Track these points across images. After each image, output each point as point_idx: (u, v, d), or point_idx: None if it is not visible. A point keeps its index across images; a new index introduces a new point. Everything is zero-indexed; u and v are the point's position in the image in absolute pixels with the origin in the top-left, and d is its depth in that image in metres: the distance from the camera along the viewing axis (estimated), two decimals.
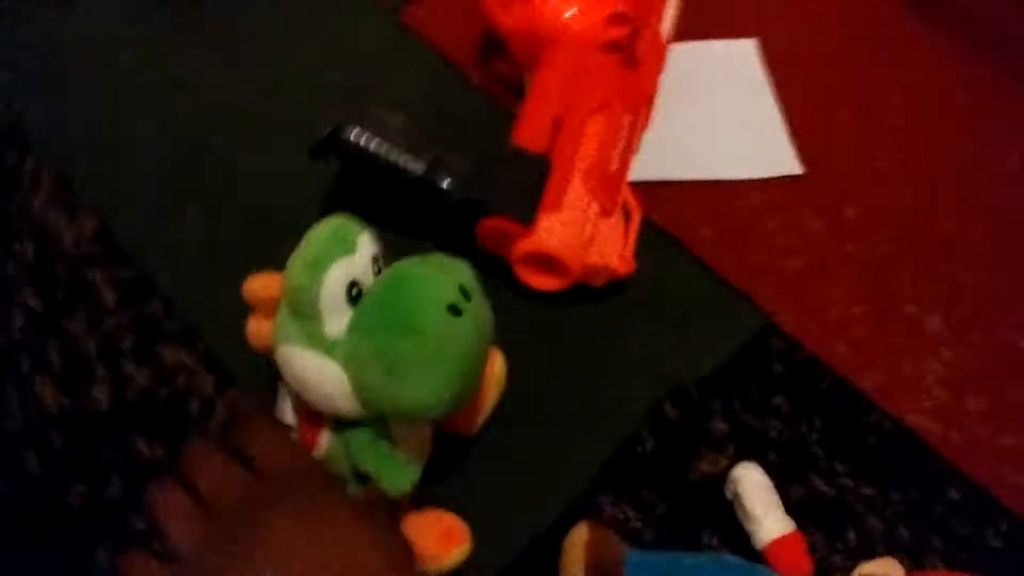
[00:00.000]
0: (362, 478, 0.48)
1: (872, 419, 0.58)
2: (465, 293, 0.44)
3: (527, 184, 0.58)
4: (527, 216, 0.57)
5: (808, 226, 0.67)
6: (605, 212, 0.60)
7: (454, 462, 0.55)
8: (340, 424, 0.48)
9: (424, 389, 0.43)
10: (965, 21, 0.81)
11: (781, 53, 0.77)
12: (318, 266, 0.43)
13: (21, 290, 0.62)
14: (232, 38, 0.77)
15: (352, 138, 0.58)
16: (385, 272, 0.46)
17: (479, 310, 0.45)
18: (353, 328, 0.43)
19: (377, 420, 0.47)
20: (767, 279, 0.64)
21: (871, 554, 0.53)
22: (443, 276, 0.44)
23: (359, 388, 0.43)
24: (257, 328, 0.48)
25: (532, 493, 0.55)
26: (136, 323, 0.61)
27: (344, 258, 0.43)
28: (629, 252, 0.60)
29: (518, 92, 0.72)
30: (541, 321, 0.62)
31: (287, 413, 0.53)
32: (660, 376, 0.60)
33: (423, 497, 0.51)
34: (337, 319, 0.43)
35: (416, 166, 0.58)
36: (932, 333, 0.62)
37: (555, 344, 0.61)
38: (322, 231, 0.45)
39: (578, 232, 0.58)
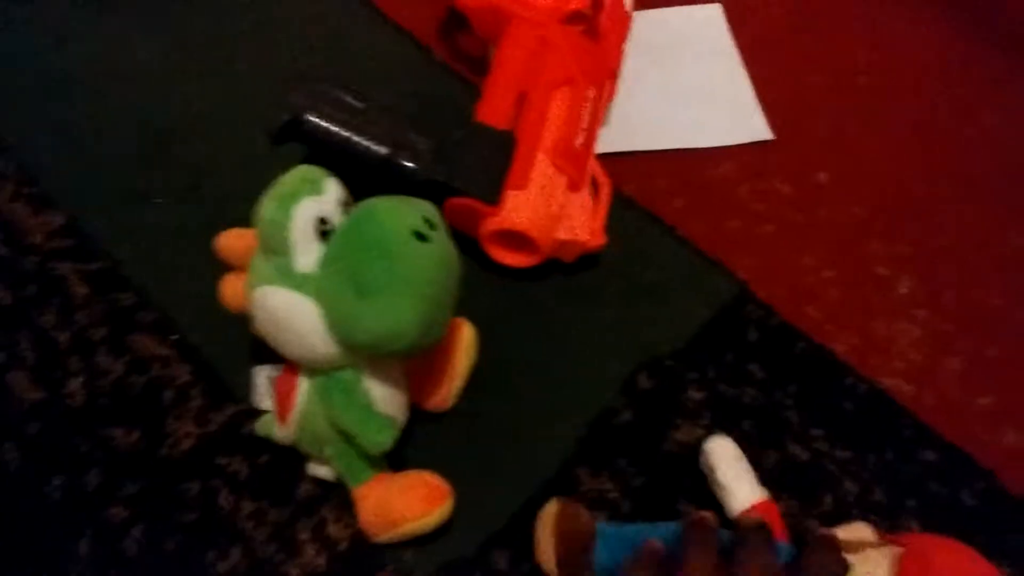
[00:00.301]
0: (343, 436, 0.48)
1: (846, 383, 0.59)
2: (430, 223, 0.45)
3: (493, 161, 0.58)
4: (494, 193, 0.57)
5: (780, 192, 0.67)
6: (573, 186, 0.60)
7: (430, 437, 0.56)
8: (315, 375, 0.48)
9: (394, 310, 0.43)
10: None
11: (747, 18, 0.76)
12: (288, 201, 0.44)
13: None
14: (195, 23, 0.76)
15: (311, 124, 0.57)
16: (352, 209, 0.47)
17: (444, 241, 0.46)
18: (323, 260, 0.45)
19: (352, 369, 0.47)
20: (740, 246, 0.64)
21: (847, 517, 0.54)
22: (408, 206, 0.46)
23: (332, 318, 0.44)
24: (232, 285, 0.50)
25: (509, 467, 0.55)
26: (108, 314, 0.61)
27: (313, 196, 0.45)
28: (599, 225, 0.60)
29: (483, 68, 0.71)
30: (514, 297, 0.62)
31: (263, 395, 0.53)
32: (635, 347, 0.60)
33: (399, 461, 0.52)
34: (307, 254, 0.45)
35: (379, 148, 0.58)
36: (904, 295, 0.62)
37: (529, 319, 0.61)
38: (290, 175, 0.46)
39: (546, 208, 0.58)
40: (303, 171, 0.47)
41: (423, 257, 0.44)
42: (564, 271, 0.62)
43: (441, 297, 0.46)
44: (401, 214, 0.45)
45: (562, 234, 0.59)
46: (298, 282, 0.45)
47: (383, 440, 0.46)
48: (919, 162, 0.69)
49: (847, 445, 0.56)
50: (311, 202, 0.45)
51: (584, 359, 0.60)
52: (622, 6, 0.68)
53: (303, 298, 0.44)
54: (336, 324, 0.44)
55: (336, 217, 0.46)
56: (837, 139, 0.70)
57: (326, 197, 0.46)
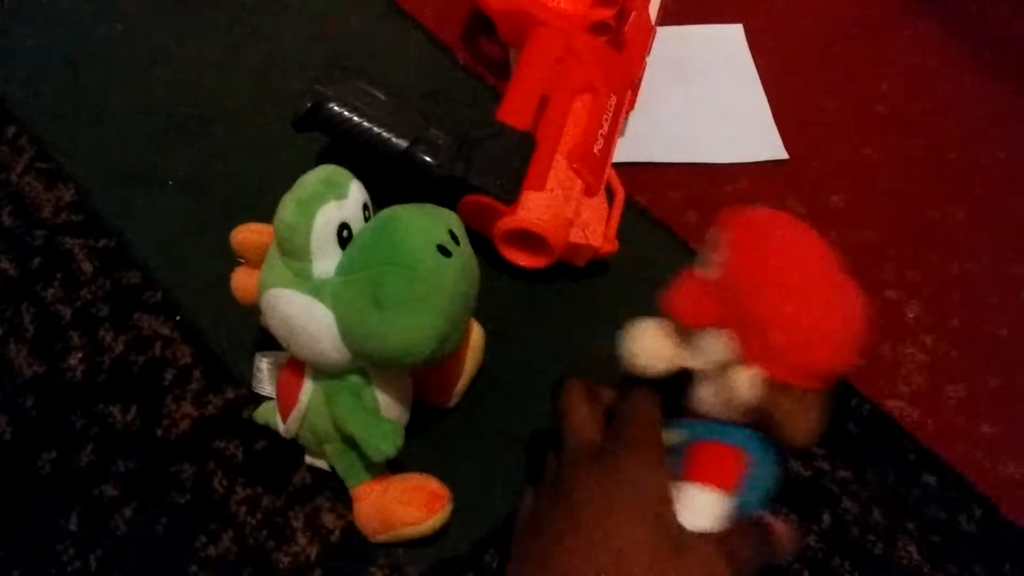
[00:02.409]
0: (346, 440, 0.48)
1: (851, 403, 0.58)
2: (454, 236, 0.44)
3: (511, 162, 0.58)
4: (511, 193, 0.57)
5: (792, 212, 0.66)
6: (589, 191, 0.60)
7: (429, 434, 0.55)
8: (322, 376, 0.47)
9: (412, 327, 0.42)
10: (952, 10, 0.81)
11: (767, 38, 0.77)
12: (310, 205, 0.43)
13: None
14: (219, 11, 0.76)
15: (334, 112, 0.57)
16: (375, 216, 0.46)
17: (467, 255, 0.45)
18: (343, 267, 0.44)
19: (360, 374, 0.46)
20: None
21: (846, 536, 0.54)
22: (433, 219, 0.45)
23: (347, 327, 0.43)
24: (244, 280, 0.48)
25: (507, 468, 0.55)
26: (113, 292, 0.61)
27: (336, 201, 0.43)
28: (612, 232, 0.60)
29: (504, 72, 0.72)
30: (522, 298, 0.61)
31: (264, 382, 0.52)
32: None
33: (399, 461, 0.51)
34: (326, 260, 0.44)
35: (399, 141, 0.58)
36: (912, 319, 0.62)
37: (536, 321, 0.61)
38: (313, 176, 0.45)
39: (561, 210, 0.58)
40: (326, 173, 0.45)
41: (445, 273, 0.43)
42: (572, 275, 0.61)
43: (460, 311, 0.45)
44: (425, 226, 0.44)
45: (575, 237, 0.58)
46: (314, 288, 0.43)
47: (387, 448, 0.45)
48: (933, 190, 0.69)
49: (848, 465, 0.56)
50: (333, 207, 0.43)
51: (587, 364, 0.59)
52: (647, 19, 0.68)
53: (319, 305, 0.43)
54: (351, 335, 0.43)
55: (358, 223, 0.45)
56: (852, 163, 0.70)
57: (349, 202, 0.44)
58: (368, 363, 0.46)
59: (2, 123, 0.68)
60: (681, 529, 0.39)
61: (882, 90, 0.75)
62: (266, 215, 0.63)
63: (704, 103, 0.72)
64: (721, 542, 0.39)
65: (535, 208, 0.57)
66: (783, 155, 0.69)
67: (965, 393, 0.60)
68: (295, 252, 0.43)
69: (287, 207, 0.43)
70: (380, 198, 0.63)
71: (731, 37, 0.77)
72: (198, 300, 0.60)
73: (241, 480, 0.54)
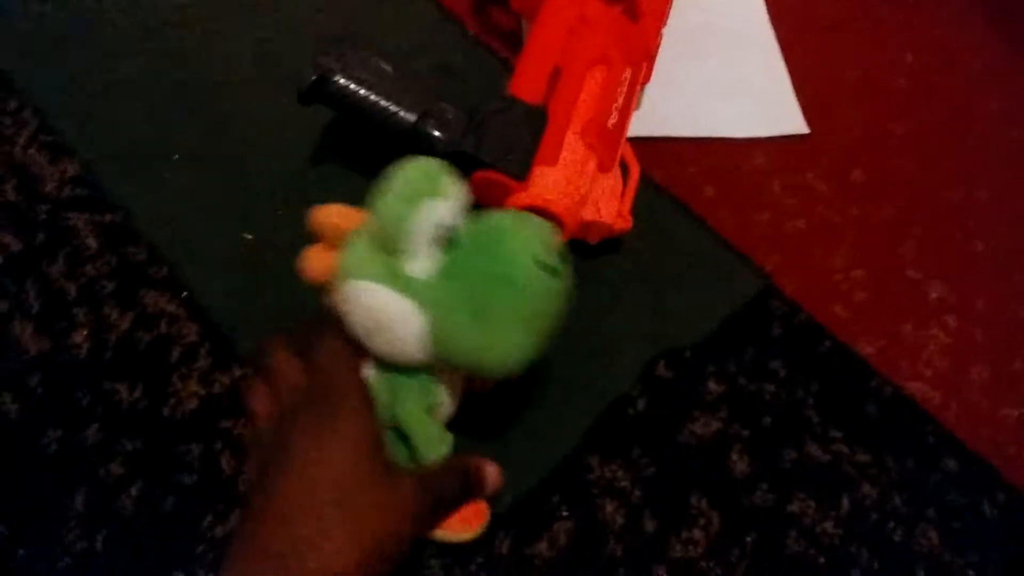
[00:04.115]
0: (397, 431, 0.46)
1: (871, 385, 0.57)
2: (558, 255, 0.43)
3: (523, 136, 0.56)
4: (522, 168, 0.56)
5: (812, 188, 0.65)
6: (603, 167, 0.58)
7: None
8: (388, 368, 0.45)
9: (510, 345, 0.42)
10: None
11: (788, 10, 0.75)
12: (413, 201, 0.41)
13: (0, 232, 0.61)
14: None
15: (340, 85, 0.56)
16: (479, 221, 0.44)
17: (569, 275, 0.44)
18: (443, 271, 0.42)
19: (428, 370, 0.45)
20: (769, 240, 0.62)
21: (864, 522, 0.53)
22: (538, 234, 0.43)
23: (439, 331, 0.42)
24: (321, 258, 0.46)
25: (519, 450, 0.54)
26: (118, 268, 0.60)
27: (439, 198, 0.41)
28: (626, 209, 0.59)
29: (516, 43, 0.70)
30: None
31: None
32: (654, 336, 0.58)
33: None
34: (422, 259, 0.42)
35: (407, 115, 0.56)
36: (935, 300, 0.61)
37: None
38: (414, 170, 0.42)
39: (574, 187, 0.56)
40: (429, 168, 0.42)
41: (548, 295, 0.42)
42: (586, 253, 0.60)
43: (553, 332, 0.44)
44: (531, 243, 0.42)
45: (588, 215, 0.57)
46: (406, 285, 0.42)
47: (438, 453, 0.45)
48: (956, 166, 0.67)
49: (868, 448, 0.55)
50: (436, 204, 0.41)
51: (601, 345, 0.58)
52: None
53: (408, 303, 0.42)
54: (443, 341, 0.42)
55: (457, 224, 0.43)
56: (874, 138, 0.68)
57: (451, 201, 0.42)
58: (451, 367, 0.45)
59: (4, 96, 0.67)
60: (388, 464, 0.43)
61: (907, 62, 0.73)
62: (272, 190, 0.63)
63: (723, 75, 0.70)
64: (423, 478, 0.44)
65: (547, 184, 0.55)
66: (804, 129, 0.68)
67: (989, 375, 0.58)
68: (394, 246, 0.41)
69: (388, 200, 0.41)
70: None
71: (751, 7, 0.75)
72: (205, 277, 0.59)
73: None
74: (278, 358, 0.45)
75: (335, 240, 0.44)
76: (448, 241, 0.42)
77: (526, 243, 0.42)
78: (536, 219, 0.45)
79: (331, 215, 0.45)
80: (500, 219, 0.43)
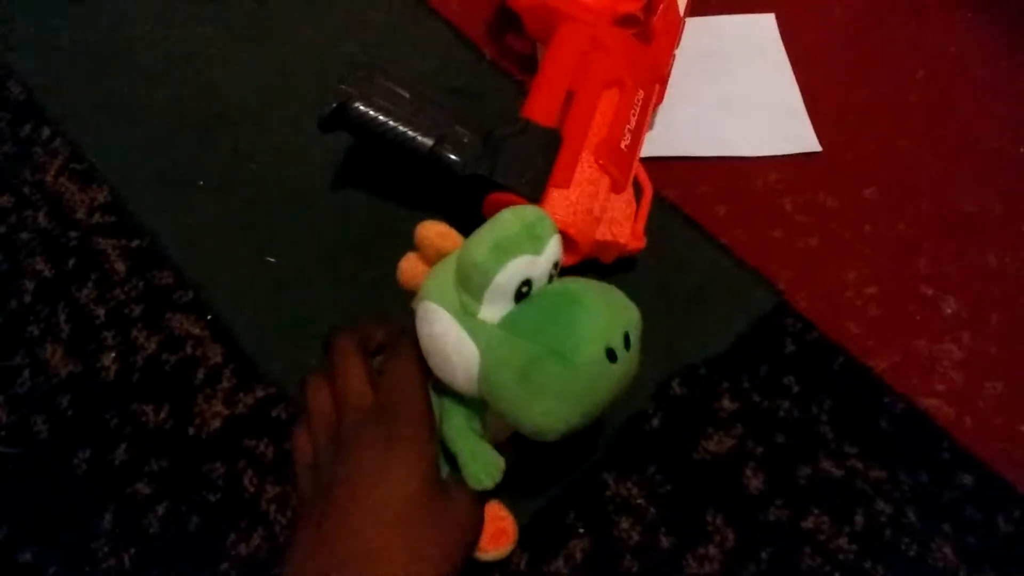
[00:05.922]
0: (445, 453, 0.46)
1: (885, 401, 0.57)
2: (627, 340, 0.42)
3: (537, 158, 0.57)
4: (537, 190, 0.57)
5: (825, 205, 0.66)
6: (616, 188, 0.59)
7: None
8: (445, 391, 0.46)
9: (552, 416, 0.41)
10: None
11: (801, 29, 0.75)
12: (505, 253, 0.40)
13: (33, 257, 0.63)
14: (247, 9, 0.77)
15: (359, 111, 0.57)
16: (557, 285, 0.43)
17: (633, 360, 0.43)
18: (508, 324, 0.42)
19: (482, 403, 0.45)
20: (782, 258, 0.63)
21: (879, 538, 0.53)
22: (614, 316, 0.42)
23: (487, 379, 0.42)
24: (413, 268, 0.46)
25: (535, 466, 0.54)
26: (146, 292, 0.61)
27: (530, 255, 0.41)
28: (640, 228, 0.59)
29: (532, 67, 0.71)
30: None
31: None
32: (668, 354, 0.59)
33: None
34: (496, 307, 0.42)
35: (424, 140, 0.57)
36: (949, 315, 0.61)
37: None
38: (517, 220, 0.42)
39: (588, 207, 0.57)
40: (530, 220, 0.42)
41: (604, 380, 0.41)
42: (600, 272, 0.61)
43: (601, 411, 0.43)
44: (604, 324, 0.41)
45: (603, 235, 0.58)
46: (473, 327, 0.42)
47: (487, 481, 0.44)
48: (969, 181, 0.67)
49: (882, 464, 0.55)
50: (526, 261, 0.41)
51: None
52: (675, 11, 0.67)
53: (470, 343, 0.42)
54: (489, 389, 0.42)
55: (542, 282, 0.43)
56: (886, 155, 0.69)
57: (543, 258, 0.42)
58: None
59: (37, 125, 0.69)
60: (444, 486, 0.44)
61: (918, 78, 0.73)
62: (295, 214, 0.64)
63: (735, 95, 0.71)
64: (474, 497, 0.45)
65: (561, 206, 0.56)
66: (816, 147, 0.68)
67: (1004, 390, 0.58)
68: (472, 289, 0.41)
69: (480, 247, 0.41)
70: (407, 197, 0.64)
71: (763, 27, 0.75)
72: (229, 300, 0.61)
73: (271, 479, 0.54)
74: (348, 364, 0.46)
75: (431, 256, 0.45)
76: (528, 295, 0.42)
77: (596, 322, 0.41)
78: (618, 296, 0.44)
79: (431, 233, 0.45)
80: (579, 290, 0.43)
